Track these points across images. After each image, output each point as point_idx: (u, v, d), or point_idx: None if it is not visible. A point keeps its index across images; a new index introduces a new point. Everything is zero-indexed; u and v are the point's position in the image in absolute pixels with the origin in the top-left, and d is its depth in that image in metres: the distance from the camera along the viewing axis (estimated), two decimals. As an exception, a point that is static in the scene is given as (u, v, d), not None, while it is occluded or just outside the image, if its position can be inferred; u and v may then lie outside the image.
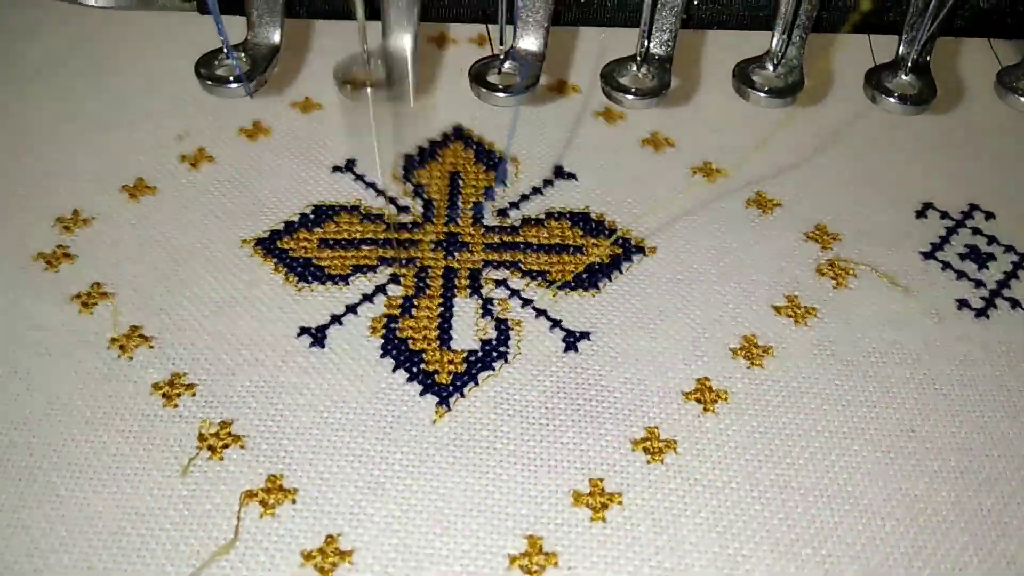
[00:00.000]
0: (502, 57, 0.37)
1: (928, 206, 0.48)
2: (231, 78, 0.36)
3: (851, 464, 0.37)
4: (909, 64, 0.37)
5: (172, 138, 0.49)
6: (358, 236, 0.45)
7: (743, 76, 0.37)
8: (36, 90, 0.51)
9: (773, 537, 0.35)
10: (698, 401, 0.39)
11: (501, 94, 0.36)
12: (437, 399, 0.39)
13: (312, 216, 0.46)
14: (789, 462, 0.37)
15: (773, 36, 0.37)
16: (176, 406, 0.38)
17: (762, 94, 0.36)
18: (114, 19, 0.56)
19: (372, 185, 0.47)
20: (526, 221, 0.46)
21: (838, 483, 0.36)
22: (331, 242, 0.45)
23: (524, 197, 0.48)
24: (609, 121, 0.52)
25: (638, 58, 0.37)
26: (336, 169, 0.48)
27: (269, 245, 0.44)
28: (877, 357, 0.41)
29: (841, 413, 0.39)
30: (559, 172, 0.49)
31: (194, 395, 0.38)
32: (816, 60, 0.49)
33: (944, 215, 0.48)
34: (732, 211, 0.47)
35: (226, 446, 0.37)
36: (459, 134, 0.51)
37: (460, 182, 0.48)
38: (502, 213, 0.47)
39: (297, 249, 0.44)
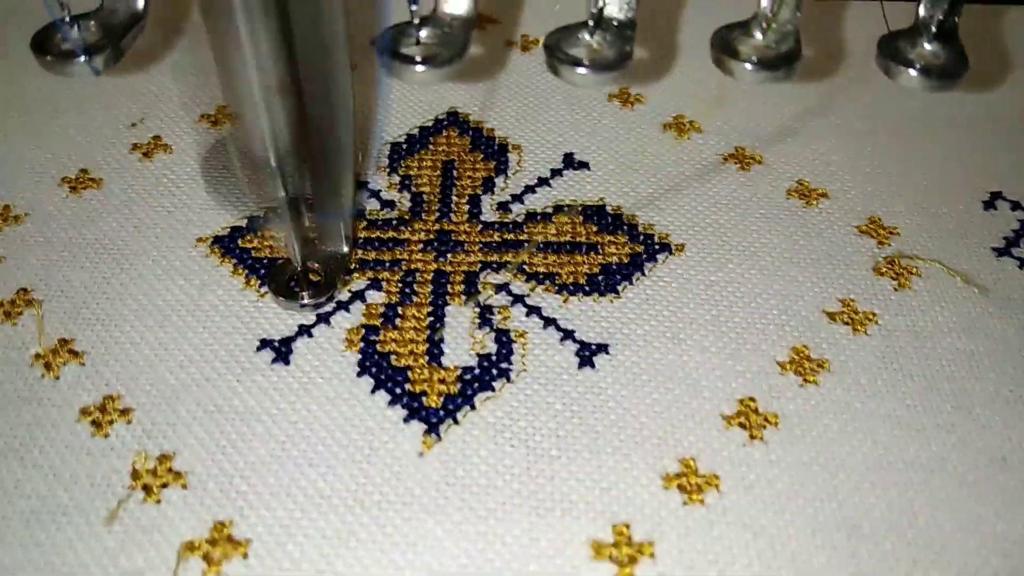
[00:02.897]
0: (418, 22, 0.29)
1: (997, 195, 0.42)
2: (77, 52, 0.29)
3: (934, 500, 0.30)
4: (932, 30, 0.30)
5: (124, 125, 0.43)
6: (335, 234, 0.38)
7: (723, 45, 0.30)
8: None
9: (844, 598, 0.28)
10: (742, 427, 0.32)
11: (419, 67, 0.29)
12: (425, 426, 0.32)
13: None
14: (859, 499, 0.30)
15: None
16: (107, 435, 0.31)
17: (748, 66, 0.29)
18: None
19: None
20: (530, 216, 0.40)
21: (908, 516, 0.30)
22: (303, 241, 0.38)
23: (529, 189, 0.41)
24: (624, 104, 0.46)
25: (590, 23, 0.30)
26: (311, 158, 0.42)
27: (229, 244, 0.38)
28: (952, 370, 0.34)
29: (915, 439, 0.32)
30: (569, 161, 0.43)
31: (129, 422, 0.32)
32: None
33: (1016, 206, 0.41)
34: (771, 203, 0.41)
35: (164, 485, 0.30)
36: (454, 119, 0.45)
37: (454, 173, 0.42)
38: (503, 208, 0.40)
39: (262, 248, 0.38)
